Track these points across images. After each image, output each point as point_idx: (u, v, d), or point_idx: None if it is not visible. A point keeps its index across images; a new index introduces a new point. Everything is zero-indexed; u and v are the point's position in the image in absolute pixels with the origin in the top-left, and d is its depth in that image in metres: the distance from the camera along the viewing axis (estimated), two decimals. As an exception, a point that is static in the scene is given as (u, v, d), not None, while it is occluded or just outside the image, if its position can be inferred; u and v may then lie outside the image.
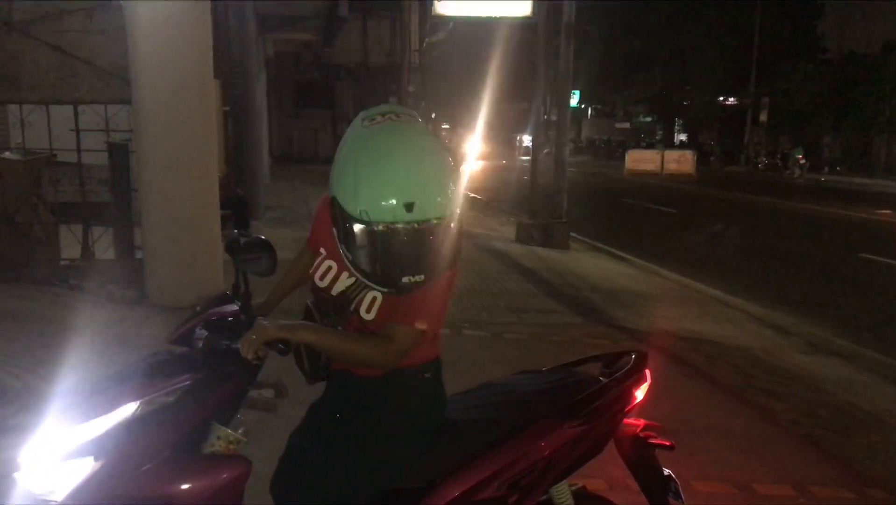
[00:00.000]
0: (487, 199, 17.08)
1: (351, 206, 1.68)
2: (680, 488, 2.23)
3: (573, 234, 11.15)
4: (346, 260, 1.78)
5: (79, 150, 6.66)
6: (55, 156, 6.85)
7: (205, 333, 1.96)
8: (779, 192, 22.68)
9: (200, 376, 1.83)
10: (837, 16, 35.10)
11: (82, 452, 1.72)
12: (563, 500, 2.15)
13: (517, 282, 8.16)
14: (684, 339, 6.12)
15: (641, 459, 2.25)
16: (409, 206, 1.66)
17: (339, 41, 18.89)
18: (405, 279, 1.72)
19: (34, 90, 6.43)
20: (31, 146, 6.89)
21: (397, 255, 1.70)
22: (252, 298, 2.05)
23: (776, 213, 17.38)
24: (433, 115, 24.11)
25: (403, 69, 18.36)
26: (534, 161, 11.74)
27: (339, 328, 1.90)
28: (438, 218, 1.69)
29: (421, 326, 1.81)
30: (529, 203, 11.59)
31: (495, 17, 11.61)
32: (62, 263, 6.69)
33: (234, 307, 1.99)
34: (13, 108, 7.02)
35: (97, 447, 1.72)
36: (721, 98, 39.49)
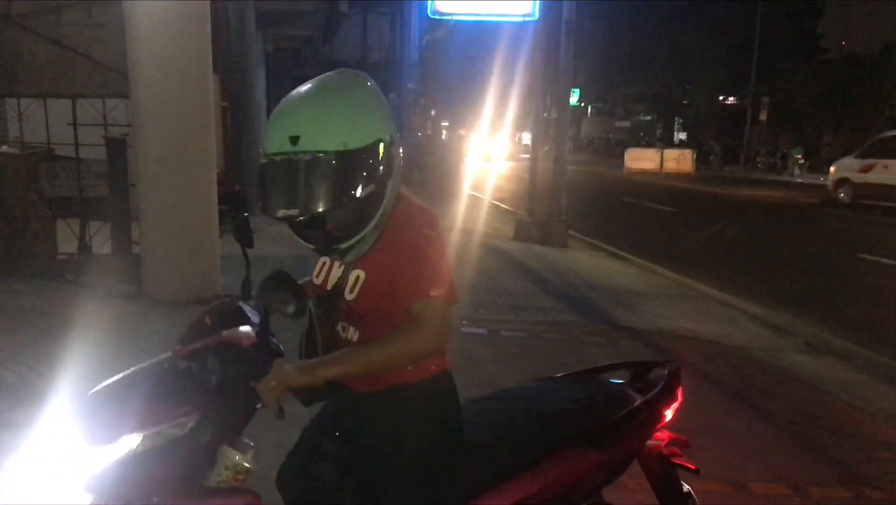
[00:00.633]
0: (487, 197, 17.06)
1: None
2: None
3: (572, 232, 11.14)
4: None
5: (77, 145, 6.64)
6: (53, 150, 6.83)
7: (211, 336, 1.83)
8: (777, 190, 22.66)
9: (212, 410, 1.70)
10: (838, 16, 35.07)
11: (81, 489, 1.63)
12: None
13: (515, 280, 8.15)
14: (682, 337, 6.12)
15: (663, 476, 2.20)
16: (294, 139, 1.64)
17: (338, 37, 18.88)
18: (280, 212, 1.66)
19: (32, 84, 6.42)
20: (29, 140, 6.88)
21: (271, 186, 1.67)
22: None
23: (774, 211, 17.37)
24: (432, 112, 24.08)
25: (403, 66, 18.34)
26: (533, 159, 11.73)
27: (336, 322, 1.86)
28: (325, 151, 1.63)
29: (435, 291, 1.72)
30: (528, 201, 11.58)
31: (495, 16, 11.58)
32: (59, 257, 6.68)
33: (250, 334, 1.79)
34: (11, 101, 7.00)
35: (97, 484, 1.63)
36: (721, 97, 39.49)
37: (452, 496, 1.83)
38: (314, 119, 1.67)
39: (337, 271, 1.88)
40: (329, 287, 1.89)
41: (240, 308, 1.91)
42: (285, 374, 1.64)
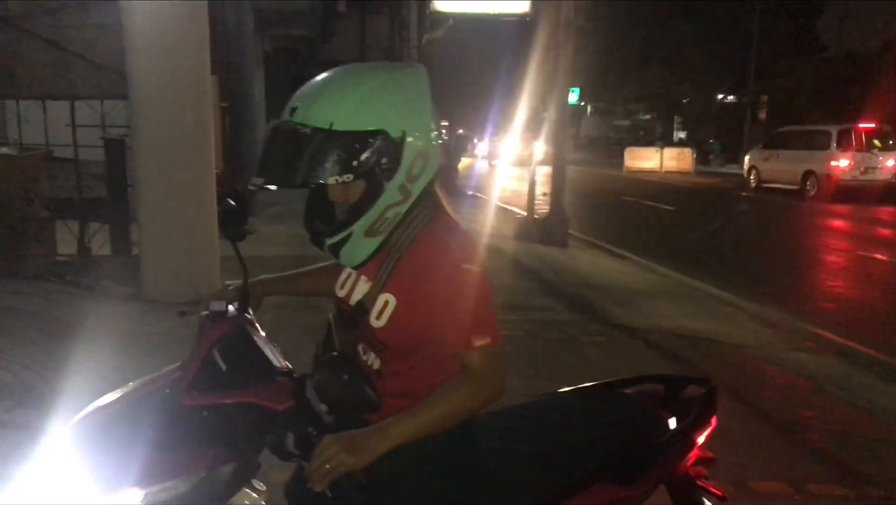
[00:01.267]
0: (488, 198, 17.04)
1: None
2: None
3: (571, 231, 11.14)
4: None
5: (75, 146, 6.65)
6: (52, 151, 6.83)
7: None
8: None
9: (227, 467, 1.56)
10: (837, 14, 35.02)
11: None
12: None
13: (514, 279, 8.14)
14: (681, 336, 6.12)
15: (687, 498, 2.08)
16: (292, 110, 1.59)
17: (336, 37, 18.84)
18: (253, 179, 1.60)
19: (31, 86, 6.42)
20: (28, 142, 6.88)
21: (261, 152, 1.63)
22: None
23: (775, 209, 17.37)
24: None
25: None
26: (532, 158, 11.73)
27: (357, 340, 1.72)
28: (308, 125, 1.54)
29: (483, 339, 1.59)
30: (528, 200, 11.58)
31: (494, 14, 11.58)
32: (58, 258, 6.69)
33: (284, 393, 1.58)
34: (10, 103, 7.00)
35: None
36: (720, 96, 39.45)
37: None
38: (312, 94, 1.60)
39: (363, 287, 1.73)
40: (352, 302, 1.74)
41: (246, 332, 1.72)
42: (341, 456, 1.47)
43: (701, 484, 2.07)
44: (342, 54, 21.67)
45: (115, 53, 6.14)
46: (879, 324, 7.09)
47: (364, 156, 1.54)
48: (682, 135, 42.20)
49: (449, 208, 1.74)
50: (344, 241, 1.63)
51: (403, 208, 1.64)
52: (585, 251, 10.63)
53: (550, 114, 11.50)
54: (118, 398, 1.67)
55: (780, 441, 4.14)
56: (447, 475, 1.70)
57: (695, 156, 31.08)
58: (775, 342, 6.18)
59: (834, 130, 19.19)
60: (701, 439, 2.04)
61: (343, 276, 1.81)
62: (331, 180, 1.55)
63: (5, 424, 3.53)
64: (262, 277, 1.98)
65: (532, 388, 1.99)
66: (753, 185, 21.76)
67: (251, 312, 1.85)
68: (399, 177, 1.60)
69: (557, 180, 10.89)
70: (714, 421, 2.07)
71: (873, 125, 19.48)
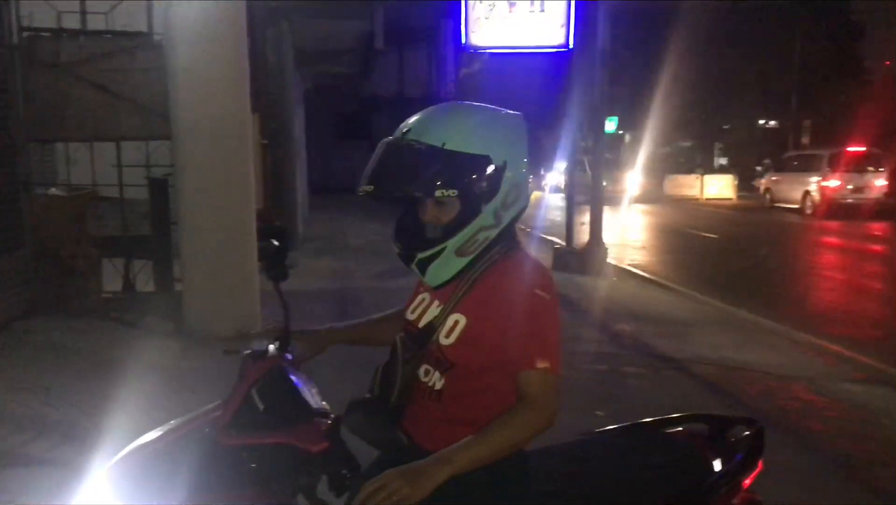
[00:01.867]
0: (530, 229, 16.98)
1: None
2: None
3: (610, 260, 11.03)
4: None
5: (121, 186, 6.82)
6: (98, 191, 7.02)
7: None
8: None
9: None
10: (879, 36, 34.47)
11: None
12: None
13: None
14: (725, 367, 5.97)
15: None
16: (405, 131, 1.71)
17: (376, 73, 19.16)
18: (360, 188, 1.70)
19: (79, 128, 6.63)
20: (76, 182, 7.08)
21: (371, 164, 1.72)
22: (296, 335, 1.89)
23: (819, 236, 16.98)
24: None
25: (439, 99, 18.52)
26: (569, 187, 11.69)
27: (420, 363, 1.76)
28: (419, 142, 1.66)
29: (544, 363, 1.64)
30: (566, 230, 11.51)
31: (529, 48, 11.64)
32: (104, 295, 6.83)
33: (319, 436, 1.59)
34: (59, 145, 7.23)
35: None
36: (762, 121, 38.93)
37: None
38: (426, 117, 1.74)
39: (434, 311, 1.79)
40: (421, 325, 1.80)
41: (284, 373, 1.74)
42: (399, 485, 1.47)
43: None
44: (381, 89, 22.03)
45: (159, 95, 6.32)
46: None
47: (470, 176, 1.66)
48: (724, 161, 41.65)
49: (523, 243, 1.83)
50: (435, 256, 1.70)
51: (493, 233, 1.73)
52: (625, 281, 10.50)
53: (588, 143, 11.48)
54: (157, 438, 1.69)
55: (832, 477, 3.99)
56: None
57: (736, 182, 30.62)
58: (824, 372, 6.00)
59: (826, 154, 21.12)
60: (748, 482, 1.98)
61: (415, 302, 1.88)
62: (437, 193, 1.64)
63: (49, 462, 3.59)
64: (330, 325, 2.07)
65: (576, 421, 1.93)
66: (768, 205, 23.44)
67: (292, 353, 1.87)
68: (496, 202, 1.70)
69: (595, 210, 10.82)
70: (761, 463, 2.02)
71: (863, 149, 21.20)
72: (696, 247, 14.68)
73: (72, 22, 6.94)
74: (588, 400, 4.94)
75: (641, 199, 25.58)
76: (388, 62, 20.23)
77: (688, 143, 45.24)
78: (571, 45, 11.17)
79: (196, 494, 1.56)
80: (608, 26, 10.49)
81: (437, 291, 1.79)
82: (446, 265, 1.71)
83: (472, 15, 11.39)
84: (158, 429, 1.73)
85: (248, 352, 1.82)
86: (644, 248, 14.69)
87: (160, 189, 6.79)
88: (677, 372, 5.84)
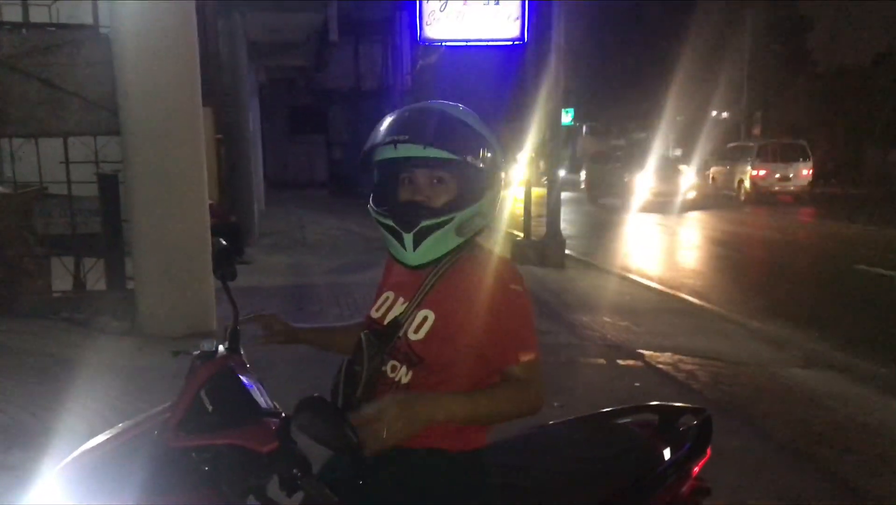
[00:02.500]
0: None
1: None
2: None
3: (568, 251, 11.14)
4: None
5: (69, 183, 6.66)
6: (46, 189, 6.84)
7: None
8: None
9: None
10: (827, 29, 35.35)
11: None
12: None
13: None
14: (679, 355, 6.09)
15: None
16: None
17: (331, 66, 18.99)
18: (400, 137, 1.73)
19: (24, 124, 6.44)
20: (22, 180, 6.89)
21: (405, 116, 1.80)
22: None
23: (769, 223, 17.38)
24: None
25: (396, 93, 18.46)
26: (527, 181, 11.77)
27: (386, 359, 1.78)
28: (457, 117, 1.78)
29: (530, 355, 1.72)
30: (523, 222, 11.59)
31: (484, 40, 11.68)
32: (54, 295, 6.68)
33: (268, 436, 1.57)
34: (3, 142, 7.02)
35: None
36: (714, 112, 39.62)
37: None
38: (444, 102, 1.85)
39: (399, 308, 1.83)
40: (386, 322, 1.83)
41: (233, 373, 1.71)
42: (398, 425, 1.54)
43: None
44: (337, 83, 21.85)
45: (107, 90, 6.18)
46: (872, 335, 7.07)
47: (489, 157, 1.77)
48: (678, 152, 42.30)
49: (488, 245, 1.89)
50: (439, 225, 1.73)
51: (484, 222, 1.81)
52: (583, 272, 10.62)
53: (544, 135, 11.55)
54: (106, 440, 1.67)
55: (780, 460, 4.10)
56: None
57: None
58: (775, 359, 6.16)
59: (755, 145, 23.51)
60: (696, 470, 2.03)
61: (380, 301, 1.90)
62: (469, 158, 1.73)
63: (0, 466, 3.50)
64: (302, 325, 2.12)
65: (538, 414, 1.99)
66: (714, 193, 24.90)
67: (242, 353, 1.86)
68: (493, 193, 1.80)
69: (552, 201, 10.91)
70: (709, 451, 2.07)
71: (789, 140, 23.49)
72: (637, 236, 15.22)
73: (13, 14, 6.73)
74: (546, 391, 4.98)
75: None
76: (344, 55, 20.05)
77: (642, 135, 45.86)
78: (526, 39, 11.24)
79: (146, 497, 1.54)
80: (562, 20, 10.57)
81: (402, 288, 1.82)
82: (443, 241, 1.74)
83: (427, 8, 11.41)
84: (108, 432, 1.71)
85: (197, 352, 1.80)
86: (591, 238, 14.87)
87: (110, 186, 6.64)
88: (631, 361, 5.94)
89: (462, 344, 1.72)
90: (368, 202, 1.82)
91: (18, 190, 6.76)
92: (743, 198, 22.63)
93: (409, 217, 1.73)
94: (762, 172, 22.40)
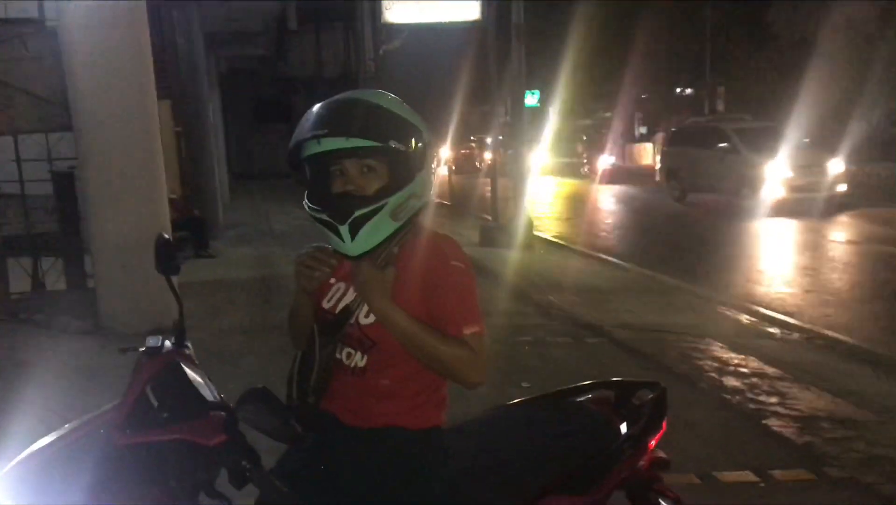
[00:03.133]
0: (452, 204, 17.05)
1: None
2: None
3: (537, 233, 11.17)
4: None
5: (22, 181, 6.52)
6: (-1, 188, 6.71)
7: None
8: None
9: None
10: (787, 2, 35.67)
11: None
12: None
13: (481, 285, 8.05)
14: (646, 331, 6.14)
15: (644, 501, 2.10)
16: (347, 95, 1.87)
17: (292, 55, 18.80)
18: (319, 131, 1.72)
19: (-28, 122, 6.29)
20: (-28, 180, 6.74)
21: (324, 110, 1.79)
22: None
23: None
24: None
25: (359, 79, 18.29)
26: (493, 163, 11.77)
27: (340, 347, 1.81)
28: (378, 103, 1.76)
29: (474, 328, 1.72)
30: (491, 205, 11.60)
31: (444, 23, 11.61)
32: (11, 296, 6.55)
33: (216, 428, 1.58)
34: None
35: None
36: (679, 89, 39.88)
37: None
38: (365, 90, 1.86)
39: (349, 295, 1.83)
40: (337, 311, 1.84)
41: (180, 368, 1.72)
42: (367, 293, 1.70)
43: (657, 488, 2.09)
44: (300, 71, 21.61)
45: (57, 85, 6.05)
46: (838, 305, 7.19)
47: (411, 139, 1.74)
48: (644, 130, 42.59)
49: (429, 224, 1.90)
50: (372, 214, 1.70)
51: (420, 203, 1.79)
52: (552, 253, 10.67)
53: (509, 118, 11.54)
54: (53, 441, 1.64)
55: (744, 430, 4.16)
56: (413, 496, 1.73)
57: (655, 151, 31.42)
58: (740, 331, 6.23)
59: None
60: (653, 443, 2.06)
61: (330, 292, 1.88)
62: (392, 144, 1.70)
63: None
64: None
65: (501, 393, 1.99)
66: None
67: (189, 347, 1.86)
68: (425, 173, 1.79)
69: (518, 184, 10.93)
70: (665, 424, 2.10)
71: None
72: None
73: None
74: (513, 371, 5.00)
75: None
76: (305, 43, 19.83)
77: (608, 114, 46.07)
78: (485, 20, 11.20)
79: (95, 497, 1.52)
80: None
81: (349, 276, 1.80)
82: (379, 227, 1.72)
83: (386, -9, 11.31)
84: (55, 432, 1.68)
85: (143, 349, 1.79)
86: (567, 218, 14.95)
87: (66, 183, 6.52)
88: (600, 339, 5.97)
89: None
90: (304, 200, 1.80)
91: (-31, 191, 6.63)
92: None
93: (342, 208, 1.72)
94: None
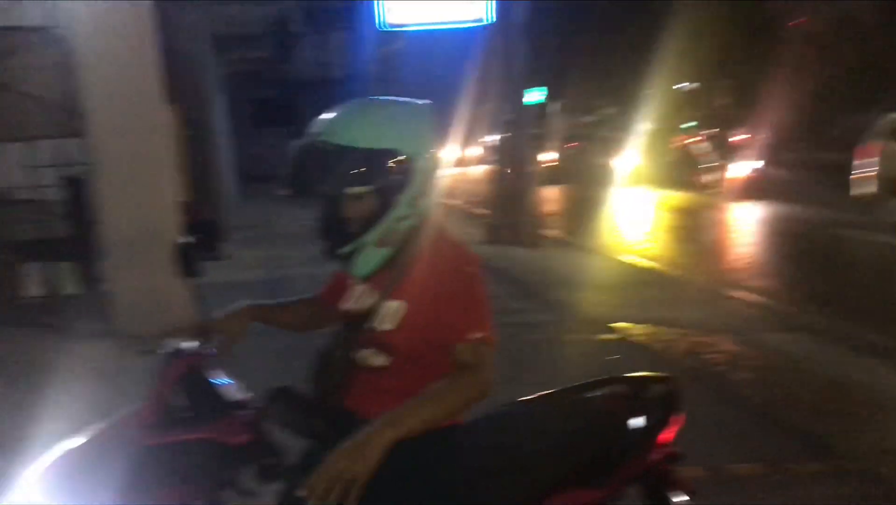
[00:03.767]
0: (457, 202, 17.08)
1: None
2: None
3: (542, 230, 11.19)
4: None
5: (35, 187, 6.59)
6: (11, 194, 6.77)
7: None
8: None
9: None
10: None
11: None
12: None
13: (488, 283, 8.12)
14: (657, 326, 6.16)
15: (657, 494, 2.09)
16: (317, 133, 1.76)
17: (296, 56, 18.85)
18: (284, 191, 1.78)
19: (-15, 130, 6.36)
20: (-14, 186, 6.82)
21: (289, 167, 1.78)
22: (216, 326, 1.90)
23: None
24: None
25: (362, 80, 18.37)
26: (498, 161, 11.79)
27: (360, 348, 1.81)
28: (338, 143, 1.71)
29: (479, 333, 1.71)
30: (496, 203, 11.62)
31: (447, 23, 11.63)
32: (27, 301, 6.61)
33: (240, 427, 1.64)
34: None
35: None
36: (684, 84, 39.80)
37: None
38: (336, 118, 1.77)
39: (370, 299, 1.83)
40: (359, 314, 1.85)
41: (204, 369, 1.76)
42: (351, 467, 1.50)
43: (671, 481, 2.10)
44: (303, 73, 21.66)
45: (68, 92, 6.11)
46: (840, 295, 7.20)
47: (380, 171, 1.71)
48: (647, 126, 42.45)
49: (443, 223, 1.89)
50: (355, 249, 1.76)
51: (411, 222, 1.78)
52: (558, 249, 10.68)
53: (511, 116, 11.55)
54: (84, 442, 1.70)
55: (755, 423, 4.19)
56: (423, 494, 1.74)
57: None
58: (751, 324, 6.25)
59: None
60: (666, 438, 2.07)
61: (352, 292, 1.90)
62: (353, 190, 1.71)
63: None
64: (244, 303, 2.03)
65: (511, 392, 2.03)
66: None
67: (215, 350, 1.88)
68: (409, 192, 1.75)
69: (524, 182, 10.95)
70: (678, 418, 2.11)
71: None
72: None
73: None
74: (520, 370, 5.03)
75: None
76: (308, 45, 19.88)
77: (612, 110, 45.95)
78: (489, 20, 11.20)
79: (124, 495, 1.57)
80: (523, -2, 10.56)
81: (375, 280, 1.82)
82: (370, 257, 1.77)
83: (388, -8, 11.32)
84: (83, 434, 1.74)
85: (165, 351, 1.83)
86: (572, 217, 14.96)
87: (78, 188, 6.60)
88: (608, 335, 6.00)
89: (426, 330, 1.75)
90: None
91: (-18, 197, 6.70)
92: None
93: (328, 245, 1.80)
94: None
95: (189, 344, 1.85)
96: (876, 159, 11.11)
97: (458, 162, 32.70)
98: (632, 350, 5.63)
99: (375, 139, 1.72)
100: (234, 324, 1.97)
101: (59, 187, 6.69)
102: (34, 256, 6.78)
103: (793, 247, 9.83)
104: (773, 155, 17.24)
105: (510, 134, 11.24)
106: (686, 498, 2.10)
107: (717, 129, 23.28)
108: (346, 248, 1.76)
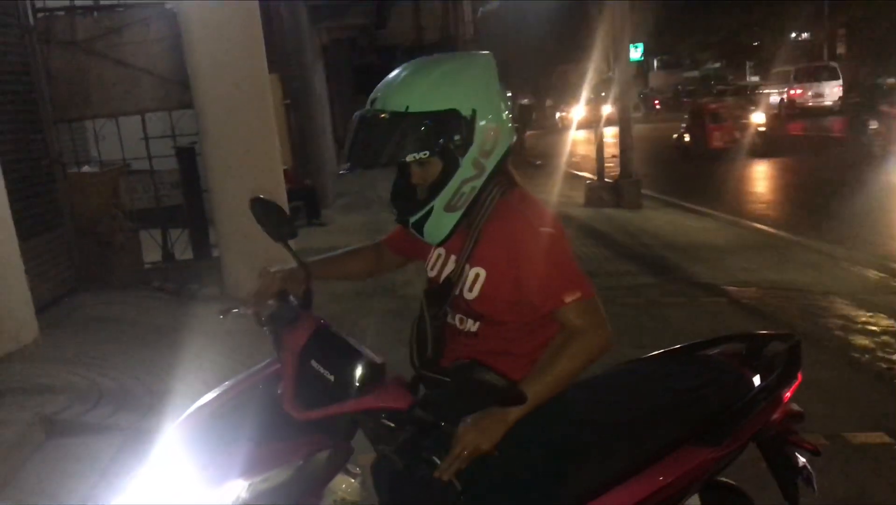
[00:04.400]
0: (558, 165, 16.84)
1: None
2: (813, 478, 2.05)
3: (645, 191, 10.92)
4: None
5: (150, 158, 6.91)
6: (129, 165, 7.12)
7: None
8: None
9: (328, 452, 1.64)
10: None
11: None
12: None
13: (588, 246, 8.05)
14: (765, 289, 5.95)
15: (778, 453, 2.07)
16: (372, 101, 1.70)
17: (392, 22, 18.87)
18: (342, 167, 1.71)
19: (103, 104, 6.67)
20: (106, 158, 7.18)
21: (348, 140, 1.72)
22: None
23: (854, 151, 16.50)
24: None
25: (458, 43, 18.22)
26: (597, 122, 11.54)
27: (450, 313, 1.81)
28: (386, 111, 1.65)
29: (574, 295, 1.66)
30: (596, 164, 11.40)
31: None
32: (145, 267, 6.98)
33: (402, 394, 1.65)
34: (87, 123, 7.32)
35: None
36: (794, 34, 37.65)
37: (567, 499, 1.77)
38: (389, 84, 1.71)
39: (450, 265, 1.82)
40: (441, 280, 1.84)
41: (326, 330, 1.73)
42: (477, 442, 1.59)
43: (792, 440, 2.05)
44: (399, 38, 21.70)
45: (178, 65, 6.33)
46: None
47: (438, 134, 1.65)
48: (756, 79, 40.52)
49: (519, 180, 1.82)
50: (426, 216, 1.72)
51: (479, 182, 1.72)
52: (660, 211, 10.42)
53: (614, 73, 11.25)
54: (216, 396, 1.75)
55: (875, 390, 3.99)
56: (538, 448, 1.74)
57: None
58: (866, 287, 5.94)
59: (792, 70, 26.45)
60: (788, 395, 2.01)
61: (432, 258, 1.89)
62: (409, 158, 1.65)
63: (109, 428, 3.73)
64: (309, 260, 1.98)
65: (616, 355, 1.97)
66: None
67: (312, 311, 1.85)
68: (472, 153, 1.69)
69: (625, 141, 10.68)
70: (800, 376, 2.04)
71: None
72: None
73: (82, -2, 6.95)
74: (627, 333, 4.96)
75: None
76: (404, 9, 19.84)
77: (717, 65, 44.04)
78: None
79: (259, 445, 1.61)
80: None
81: (450, 245, 1.80)
82: (440, 223, 1.73)
83: (485, -49, 11.14)
84: (216, 390, 1.79)
85: (267, 315, 1.82)
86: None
87: (188, 158, 6.87)
88: (715, 298, 5.83)
89: (510, 294, 1.72)
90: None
91: (104, 169, 7.06)
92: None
93: (399, 213, 1.79)
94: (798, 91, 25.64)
95: (286, 304, 1.84)
96: None
97: (560, 123, 32.27)
98: (741, 312, 5.45)
99: (428, 101, 1.66)
100: (294, 284, 1.92)
101: (173, 158, 6.97)
102: (151, 223, 7.13)
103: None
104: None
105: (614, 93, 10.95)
106: (808, 459, 2.03)
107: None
108: (415, 216, 1.73)
